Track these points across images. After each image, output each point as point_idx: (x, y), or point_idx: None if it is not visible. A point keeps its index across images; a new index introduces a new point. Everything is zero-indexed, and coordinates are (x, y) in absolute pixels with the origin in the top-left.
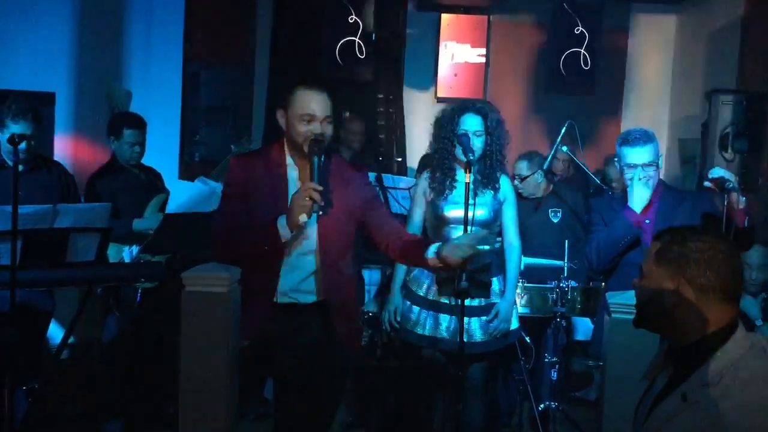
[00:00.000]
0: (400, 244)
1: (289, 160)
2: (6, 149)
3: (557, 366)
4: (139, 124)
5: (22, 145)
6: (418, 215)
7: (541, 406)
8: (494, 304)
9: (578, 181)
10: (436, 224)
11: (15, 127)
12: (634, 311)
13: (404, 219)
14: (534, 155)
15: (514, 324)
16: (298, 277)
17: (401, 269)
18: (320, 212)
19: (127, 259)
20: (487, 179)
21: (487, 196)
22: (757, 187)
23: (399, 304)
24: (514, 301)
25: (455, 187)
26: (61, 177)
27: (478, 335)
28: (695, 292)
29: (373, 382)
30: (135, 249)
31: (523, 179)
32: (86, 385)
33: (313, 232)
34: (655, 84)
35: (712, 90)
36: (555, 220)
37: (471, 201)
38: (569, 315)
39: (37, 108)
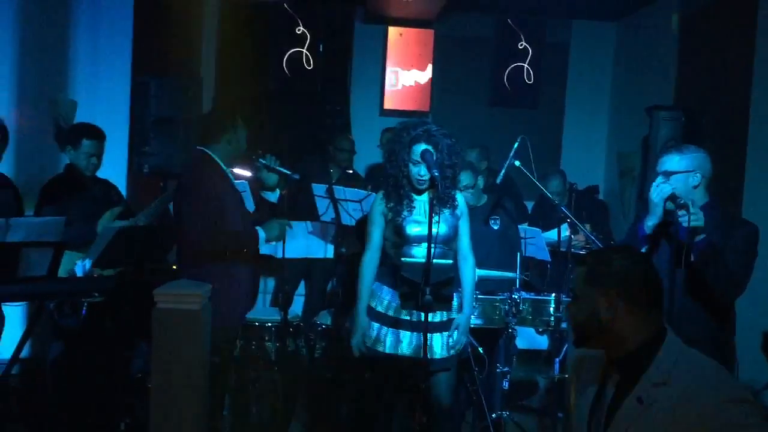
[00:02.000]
0: None
1: None
2: None
3: (508, 376)
4: (98, 135)
5: None
6: (377, 235)
7: (494, 414)
8: (453, 319)
9: (515, 195)
10: (399, 242)
11: None
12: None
13: (352, 230)
14: (471, 165)
15: (467, 336)
16: None
17: (365, 288)
18: None
19: (79, 273)
20: (444, 199)
21: (446, 213)
22: None
23: (365, 326)
24: (470, 315)
25: (414, 207)
26: (14, 193)
27: (438, 351)
28: (627, 304)
29: (327, 395)
30: (87, 263)
31: (466, 188)
32: (34, 402)
33: None
34: (596, 97)
35: (653, 106)
36: (495, 227)
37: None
38: (520, 326)
39: (3, 126)
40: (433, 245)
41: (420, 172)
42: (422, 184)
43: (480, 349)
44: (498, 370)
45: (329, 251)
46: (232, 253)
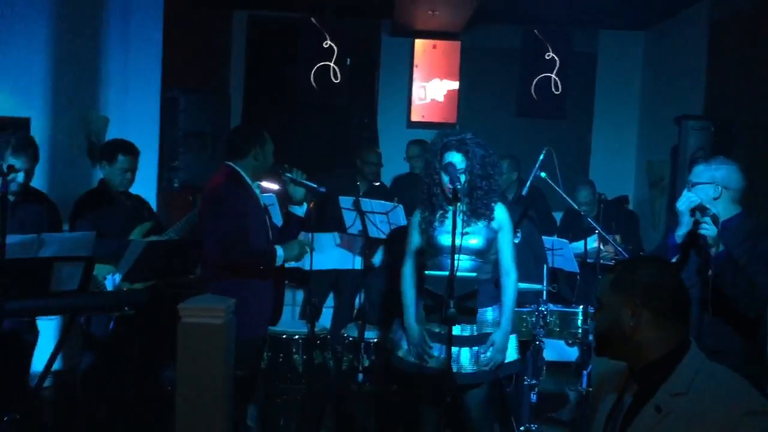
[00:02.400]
0: None
1: None
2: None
3: (536, 388)
4: (133, 150)
5: (19, 178)
6: (412, 245)
7: (522, 427)
8: (487, 334)
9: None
10: (432, 252)
11: (15, 162)
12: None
13: (381, 242)
14: None
15: (513, 355)
16: None
17: (408, 298)
18: None
19: (109, 287)
20: (477, 210)
21: (479, 225)
22: None
23: (416, 336)
24: (509, 332)
25: (447, 217)
26: (49, 208)
27: (466, 365)
28: (651, 313)
29: (354, 408)
30: (117, 277)
31: None
32: (66, 414)
33: None
34: (624, 107)
35: (682, 116)
36: (516, 241)
37: (462, 230)
38: (547, 338)
39: (35, 143)
40: (467, 258)
41: (456, 171)
42: (459, 183)
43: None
44: (526, 383)
45: (357, 263)
46: (248, 270)
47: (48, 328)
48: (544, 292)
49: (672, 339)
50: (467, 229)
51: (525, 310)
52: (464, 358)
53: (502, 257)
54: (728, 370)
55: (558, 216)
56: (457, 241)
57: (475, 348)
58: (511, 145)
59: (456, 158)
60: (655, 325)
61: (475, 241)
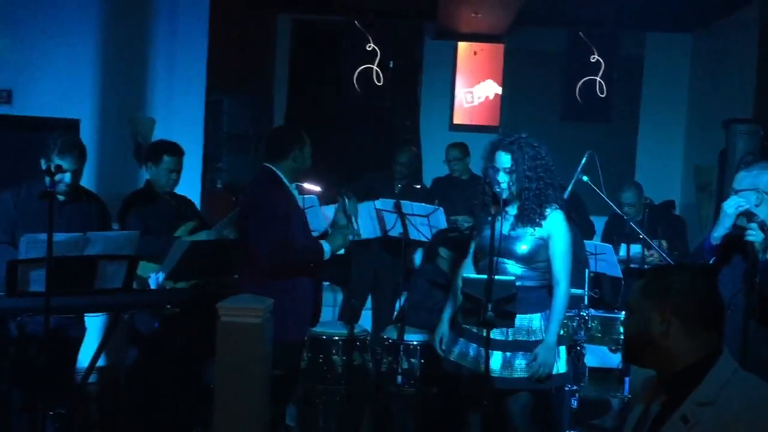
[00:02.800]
0: None
1: None
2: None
3: (577, 394)
4: (177, 151)
5: (67, 179)
6: (471, 247)
7: None
8: (520, 341)
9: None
10: (480, 256)
11: (61, 162)
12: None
13: (421, 245)
14: None
15: (562, 368)
16: None
17: (454, 293)
18: None
19: (153, 286)
20: (525, 214)
21: (527, 230)
22: None
23: (445, 332)
24: (555, 345)
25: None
26: (99, 208)
27: (496, 369)
28: (681, 321)
29: (393, 410)
30: (161, 276)
31: None
32: (110, 410)
33: None
34: (672, 110)
35: (730, 120)
36: None
37: (509, 233)
38: (589, 344)
39: (81, 144)
40: (514, 263)
41: (498, 179)
42: (502, 194)
43: None
44: (567, 389)
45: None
46: (299, 270)
47: (94, 325)
48: (585, 297)
49: (702, 347)
50: (514, 233)
51: (566, 314)
52: (495, 362)
53: (553, 266)
54: (759, 379)
55: (601, 220)
56: (506, 245)
57: (508, 353)
58: (555, 149)
59: (504, 158)
60: (685, 333)
61: (524, 246)
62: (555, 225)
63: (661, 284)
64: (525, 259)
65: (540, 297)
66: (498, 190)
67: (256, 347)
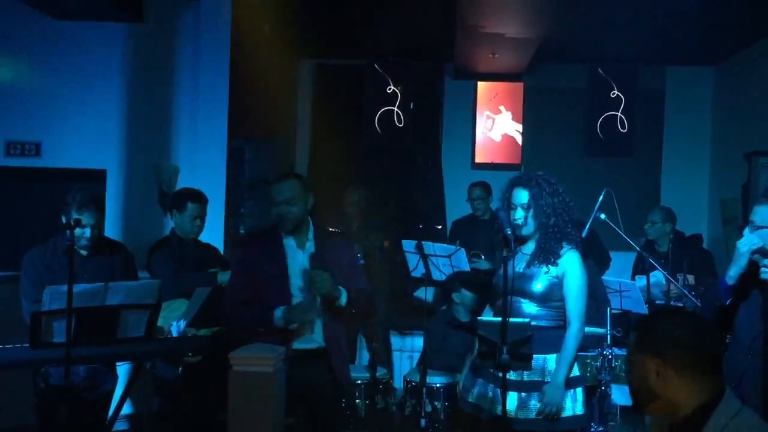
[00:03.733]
0: None
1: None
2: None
3: None
4: (201, 198)
5: (87, 233)
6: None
7: None
8: (535, 381)
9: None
10: (495, 297)
11: (80, 217)
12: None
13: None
14: None
15: (578, 409)
16: None
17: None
18: None
19: (174, 333)
20: (543, 252)
21: (543, 269)
22: None
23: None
24: (563, 384)
25: (509, 260)
26: (123, 258)
27: (512, 410)
28: (676, 371)
29: None
30: (182, 323)
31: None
32: None
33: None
34: (695, 144)
35: (752, 152)
36: None
37: (523, 271)
38: (614, 383)
39: (100, 198)
40: (529, 302)
41: (514, 216)
42: (518, 230)
43: None
44: (592, 430)
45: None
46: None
47: (119, 372)
48: (608, 336)
49: (704, 391)
50: (529, 272)
51: (589, 354)
52: (510, 403)
53: (567, 305)
54: (759, 419)
55: (620, 256)
56: (520, 284)
57: (523, 393)
58: (577, 185)
59: (522, 194)
60: (683, 380)
61: (539, 285)
62: (570, 264)
63: (650, 336)
64: (540, 298)
65: (555, 337)
66: (509, 232)
67: (269, 396)
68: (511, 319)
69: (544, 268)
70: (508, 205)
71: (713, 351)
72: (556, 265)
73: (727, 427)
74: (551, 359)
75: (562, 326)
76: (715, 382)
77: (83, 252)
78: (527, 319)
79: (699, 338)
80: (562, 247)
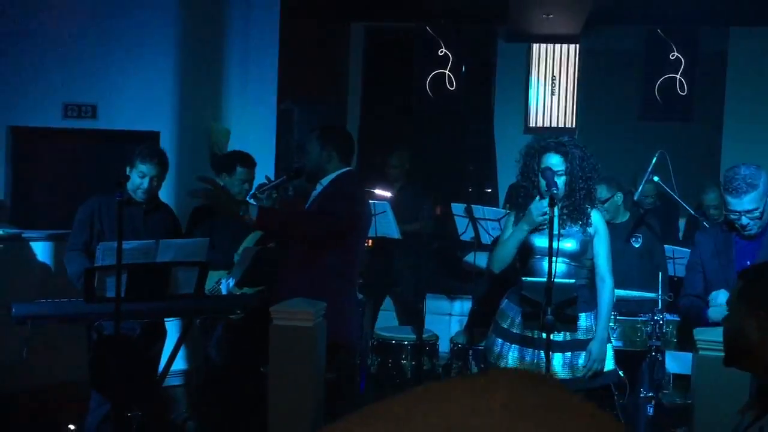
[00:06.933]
0: None
1: None
2: (133, 186)
3: (653, 401)
4: (250, 162)
5: (145, 184)
6: (505, 233)
7: None
8: (580, 341)
9: (665, 213)
10: (526, 255)
11: (142, 167)
12: (722, 349)
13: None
14: (611, 179)
15: (609, 365)
16: None
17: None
18: None
19: (224, 291)
20: (573, 214)
21: (575, 228)
22: None
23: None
24: (606, 340)
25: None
26: (174, 219)
27: (558, 370)
28: None
29: None
30: (231, 281)
31: (603, 203)
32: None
33: None
34: (758, 107)
35: None
36: (636, 246)
37: (558, 232)
38: (664, 349)
39: (164, 154)
40: (562, 261)
41: (553, 176)
42: (556, 188)
43: (621, 373)
44: (642, 395)
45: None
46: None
47: (171, 329)
48: (659, 301)
49: None
50: (562, 232)
51: (640, 319)
52: (557, 363)
53: (598, 263)
54: None
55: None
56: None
57: (568, 354)
58: (632, 149)
59: (555, 160)
60: None
61: (569, 244)
62: (599, 222)
63: (755, 288)
64: (573, 256)
65: (586, 295)
66: (556, 191)
67: (308, 350)
68: (557, 280)
69: (577, 227)
70: (538, 170)
71: None
72: (590, 225)
73: None
74: (582, 318)
75: (589, 285)
76: None
77: (141, 202)
78: (573, 280)
79: None
80: (589, 208)
